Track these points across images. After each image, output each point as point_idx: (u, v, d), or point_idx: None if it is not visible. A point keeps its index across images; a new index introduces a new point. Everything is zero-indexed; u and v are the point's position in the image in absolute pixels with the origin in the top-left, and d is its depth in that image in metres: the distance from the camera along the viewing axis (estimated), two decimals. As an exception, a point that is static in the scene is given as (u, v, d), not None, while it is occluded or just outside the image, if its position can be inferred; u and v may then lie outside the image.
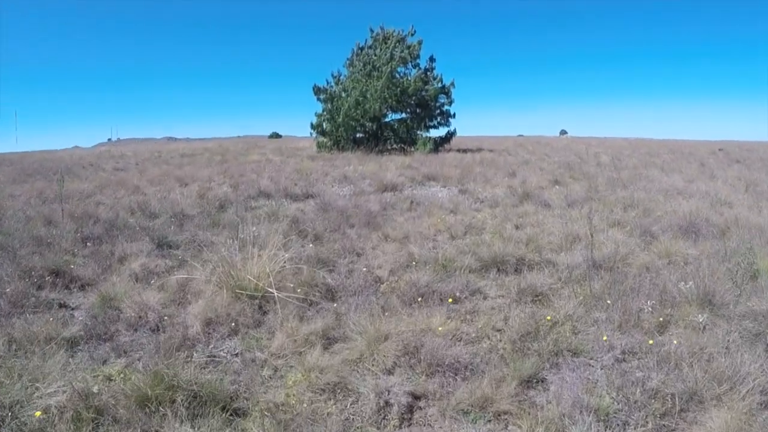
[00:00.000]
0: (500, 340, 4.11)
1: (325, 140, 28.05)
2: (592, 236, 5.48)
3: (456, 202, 10.20)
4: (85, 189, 14.11)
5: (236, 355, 4.16)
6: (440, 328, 4.11)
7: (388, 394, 3.24)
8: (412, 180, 13.99)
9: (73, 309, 5.38)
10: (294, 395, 3.40)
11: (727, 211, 8.96)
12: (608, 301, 4.68)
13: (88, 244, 7.79)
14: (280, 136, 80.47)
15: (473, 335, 4.21)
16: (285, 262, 5.64)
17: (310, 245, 7.02)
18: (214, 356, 4.13)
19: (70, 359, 4.09)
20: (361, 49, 28.00)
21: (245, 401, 3.39)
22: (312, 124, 28.63)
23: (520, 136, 69.68)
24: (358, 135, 27.88)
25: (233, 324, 4.58)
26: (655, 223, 8.00)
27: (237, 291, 5.01)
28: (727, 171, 16.75)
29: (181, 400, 3.22)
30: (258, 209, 10.48)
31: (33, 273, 6.07)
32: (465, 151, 26.88)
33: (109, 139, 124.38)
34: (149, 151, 38.19)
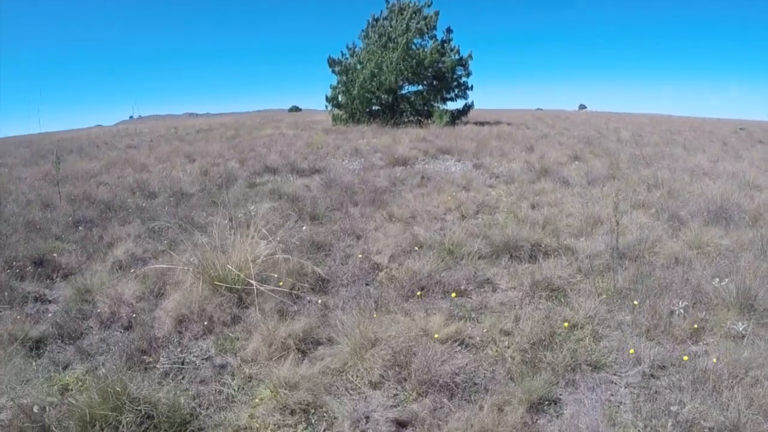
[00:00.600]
0: (508, 347, 3.52)
1: (340, 113, 27.38)
2: (617, 223, 4.80)
3: (469, 178, 9.57)
4: (91, 169, 13.79)
5: (207, 359, 3.67)
6: (437, 335, 3.54)
7: (367, 421, 2.71)
8: (425, 153, 13.34)
9: (49, 302, 4.96)
10: (259, 417, 2.89)
11: (757, 195, 8.18)
12: (635, 302, 4.06)
13: (79, 228, 7.41)
14: (300, 110, 79.96)
15: (477, 340, 3.63)
16: (275, 248, 5.12)
17: (307, 226, 6.51)
18: (183, 361, 3.64)
19: (32, 363, 3.66)
20: (377, 20, 27.07)
21: (205, 420, 2.90)
22: (327, 97, 27.94)
23: (539, 109, 68.25)
24: (373, 108, 27.15)
25: (207, 322, 4.08)
26: (682, 207, 7.27)
27: (216, 283, 4.49)
28: (752, 152, 15.73)
29: (128, 423, 2.74)
30: (262, 185, 9.98)
31: (15, 263, 5.67)
32: (482, 124, 26.02)
33: (131, 117, 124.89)
34: (166, 128, 38.00)
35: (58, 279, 5.50)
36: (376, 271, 4.97)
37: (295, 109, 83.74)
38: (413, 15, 25.43)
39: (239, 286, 4.48)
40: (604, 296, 4.26)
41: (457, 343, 3.55)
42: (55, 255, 5.99)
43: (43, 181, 12.21)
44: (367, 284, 4.73)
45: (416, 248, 5.42)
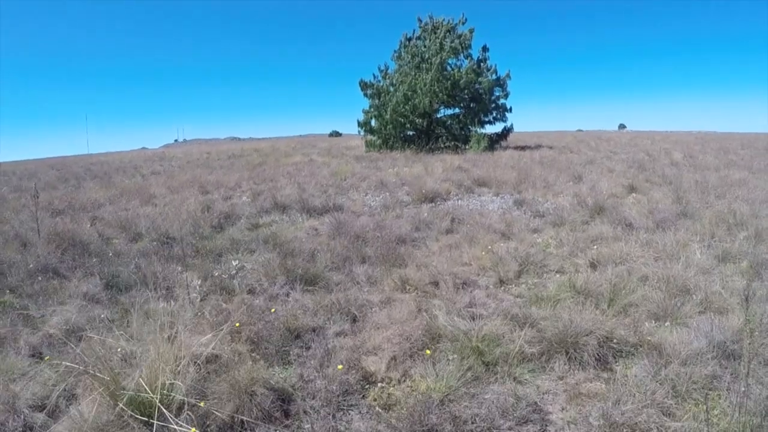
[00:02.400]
0: None
1: (373, 139, 26.12)
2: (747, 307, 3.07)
3: (509, 220, 7.91)
4: (99, 198, 12.81)
5: None
6: None
7: None
8: (459, 186, 11.72)
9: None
10: None
11: None
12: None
13: (39, 278, 6.20)
14: (340, 135, 79.56)
15: None
16: (228, 341, 3.61)
17: (294, 294, 5.00)
18: None
19: None
20: (409, 40, 25.81)
21: None
22: (359, 122, 26.73)
23: (579, 130, 65.91)
24: (408, 132, 25.78)
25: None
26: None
27: (121, 408, 2.98)
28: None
29: None
30: (265, 227, 8.58)
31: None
32: (523, 148, 24.29)
33: (176, 140, 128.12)
34: (201, 153, 37.59)
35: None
36: (367, 387, 3.37)
37: (336, 134, 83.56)
38: (447, 33, 24.09)
39: (155, 409, 2.97)
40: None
41: None
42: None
43: (45, 210, 11.28)
44: (348, 409, 3.15)
45: (430, 346, 3.79)
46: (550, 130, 65.14)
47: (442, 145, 25.26)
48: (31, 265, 6.62)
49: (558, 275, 5.58)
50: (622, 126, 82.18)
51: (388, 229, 7.25)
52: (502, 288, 5.19)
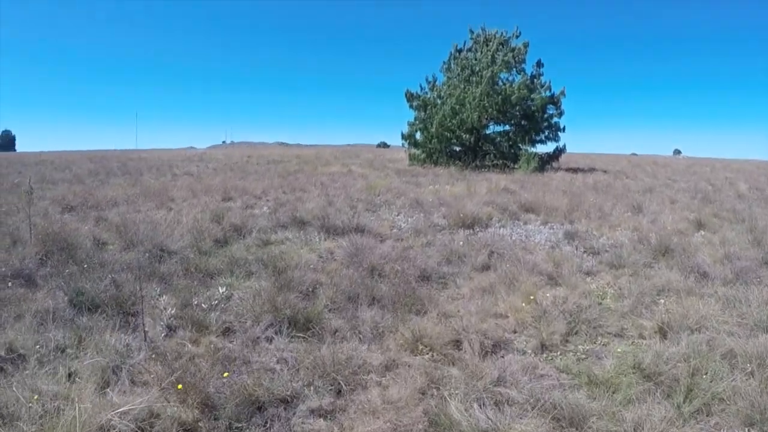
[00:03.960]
0: None
1: (417, 152, 25.08)
2: None
3: (558, 258, 6.64)
4: (115, 197, 12.13)
5: None
6: None
7: None
8: (503, 211, 10.43)
9: None
10: None
11: None
12: None
13: (9, 284, 5.48)
14: (388, 146, 78.76)
15: None
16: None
17: (278, 340, 3.93)
18: None
19: None
20: (459, 51, 24.67)
21: None
22: (403, 134, 25.69)
23: (633, 154, 63.12)
24: (454, 148, 24.59)
25: None
26: None
27: None
28: None
29: None
30: (274, 245, 7.58)
31: None
32: (575, 170, 22.71)
33: (223, 142, 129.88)
34: (241, 155, 37.30)
35: None
36: None
37: (383, 145, 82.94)
38: (500, 46, 22.84)
39: None
40: None
41: None
42: None
43: (57, 205, 10.85)
44: None
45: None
46: (603, 152, 62.60)
47: (489, 163, 23.96)
48: (2, 269, 5.83)
49: (617, 341, 4.33)
50: (677, 151, 78.82)
51: (411, 261, 6.09)
52: (544, 356, 3.96)
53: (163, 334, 4.24)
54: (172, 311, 4.58)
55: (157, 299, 5.04)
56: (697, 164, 34.48)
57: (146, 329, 4.06)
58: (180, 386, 3.04)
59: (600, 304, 5.17)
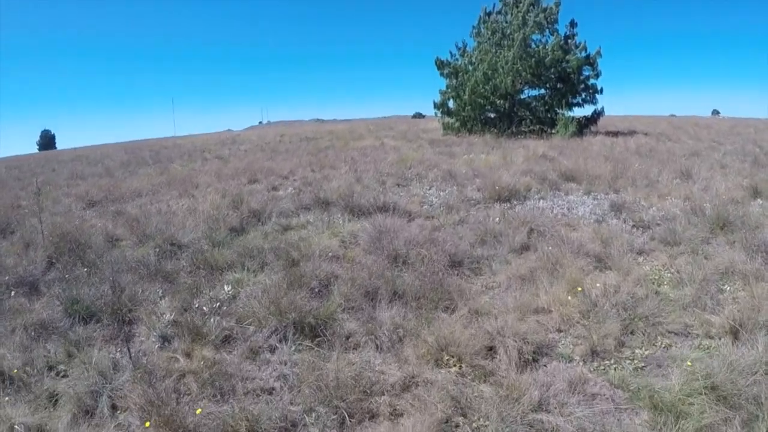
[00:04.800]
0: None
1: (450, 121, 24.10)
2: None
3: (606, 235, 5.90)
4: (140, 188, 11.84)
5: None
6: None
7: None
8: (542, 181, 9.63)
9: None
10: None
11: None
12: None
13: (12, 293, 5.14)
14: (423, 117, 77.52)
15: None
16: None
17: (281, 350, 3.40)
18: None
19: None
20: (489, 14, 23.33)
21: None
22: (435, 103, 24.73)
23: (672, 116, 60.16)
24: (488, 115, 23.54)
25: None
26: None
27: None
28: None
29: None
30: (295, 230, 7.06)
31: None
32: (615, 134, 21.33)
33: (260, 122, 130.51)
34: (275, 135, 36.92)
35: None
36: None
37: (419, 115, 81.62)
38: (530, 7, 21.45)
39: None
40: None
41: None
42: None
43: (81, 201, 10.52)
44: None
45: None
46: (642, 114, 59.87)
47: (526, 129, 22.83)
48: (7, 277, 5.50)
49: (680, 343, 3.62)
50: (715, 112, 74.64)
51: (441, 244, 5.46)
52: (595, 364, 3.30)
53: (156, 346, 3.77)
54: (170, 317, 4.10)
55: (158, 302, 4.58)
56: (739, 125, 32.35)
57: (130, 347, 3.58)
58: (148, 424, 2.53)
59: (656, 292, 4.42)
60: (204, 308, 4.26)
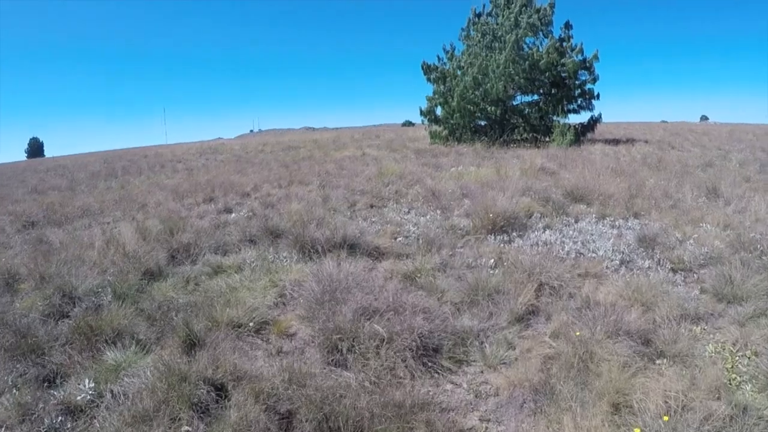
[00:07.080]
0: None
1: (438, 129, 22.56)
2: None
3: (644, 290, 4.25)
4: (90, 205, 10.59)
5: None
6: None
7: None
8: (545, 201, 7.96)
9: None
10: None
11: None
12: None
13: None
14: (413, 124, 76.45)
15: None
16: None
17: None
18: None
19: None
20: (478, 16, 21.82)
21: None
22: (422, 110, 23.13)
23: (663, 122, 59.36)
24: (479, 122, 21.97)
25: None
26: None
27: None
28: None
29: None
30: (224, 274, 5.39)
31: None
32: (615, 142, 19.86)
33: (251, 131, 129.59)
34: (257, 144, 35.25)
35: None
36: None
37: (408, 123, 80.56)
38: (523, 8, 19.94)
39: None
40: None
41: None
42: None
43: (17, 222, 9.16)
44: None
45: None
46: (634, 120, 58.94)
47: (519, 137, 21.28)
48: None
49: None
50: (704, 117, 73.91)
51: (410, 311, 3.77)
52: None
53: None
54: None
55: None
56: (736, 131, 30.90)
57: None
58: None
59: (744, 408, 2.75)
60: (45, 420, 2.57)
